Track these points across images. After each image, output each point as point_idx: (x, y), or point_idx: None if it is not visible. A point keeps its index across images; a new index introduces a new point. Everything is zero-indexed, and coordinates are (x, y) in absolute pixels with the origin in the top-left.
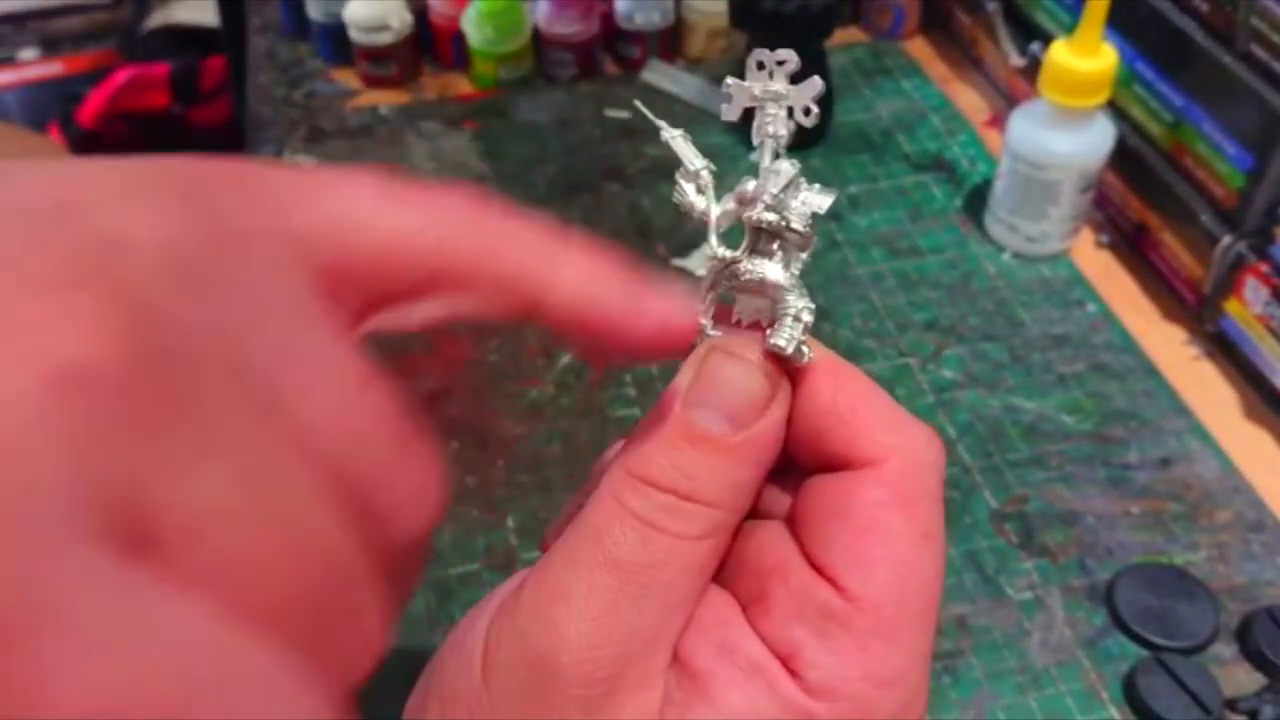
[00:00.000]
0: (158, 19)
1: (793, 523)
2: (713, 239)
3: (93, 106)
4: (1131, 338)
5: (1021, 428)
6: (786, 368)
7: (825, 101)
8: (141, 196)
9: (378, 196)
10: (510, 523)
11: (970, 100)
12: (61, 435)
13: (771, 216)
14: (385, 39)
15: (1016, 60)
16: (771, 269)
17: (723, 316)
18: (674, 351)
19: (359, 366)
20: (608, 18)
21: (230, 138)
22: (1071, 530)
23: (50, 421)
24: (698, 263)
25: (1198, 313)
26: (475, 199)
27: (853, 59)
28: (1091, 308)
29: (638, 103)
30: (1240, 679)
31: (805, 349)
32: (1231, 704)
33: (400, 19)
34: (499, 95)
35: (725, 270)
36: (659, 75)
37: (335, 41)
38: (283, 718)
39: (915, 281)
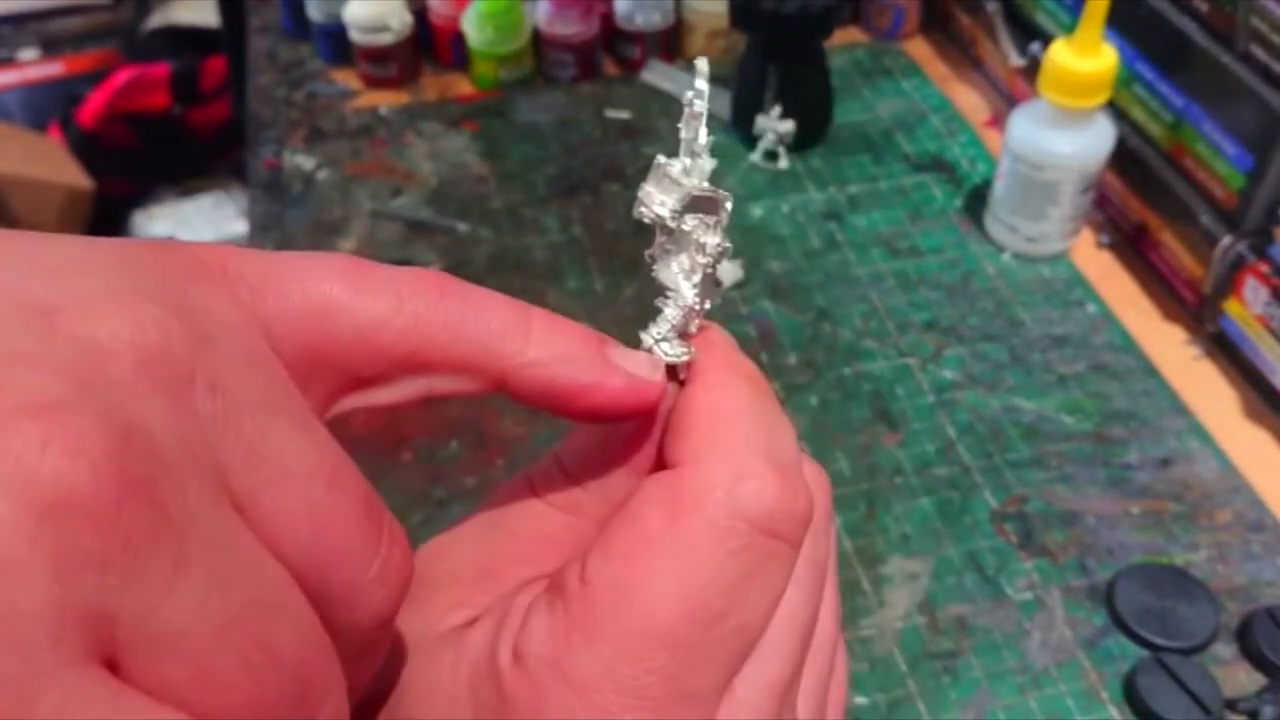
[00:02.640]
0: (158, 19)
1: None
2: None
3: (93, 107)
4: (1131, 338)
5: (1021, 428)
6: (669, 366)
7: (825, 102)
8: (119, 300)
9: (348, 281)
10: None
11: (970, 100)
12: (47, 562)
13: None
14: (385, 39)
15: (1016, 60)
16: (665, 268)
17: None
18: (640, 413)
19: (329, 458)
20: (608, 18)
21: (230, 138)
22: (1071, 530)
23: (37, 549)
24: None
25: (1198, 313)
26: (441, 279)
27: (853, 59)
28: (1091, 308)
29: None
30: (1240, 679)
31: (673, 347)
32: (1231, 704)
33: (400, 19)
34: (499, 96)
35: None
36: (659, 75)
37: (335, 42)
38: None
39: (915, 281)
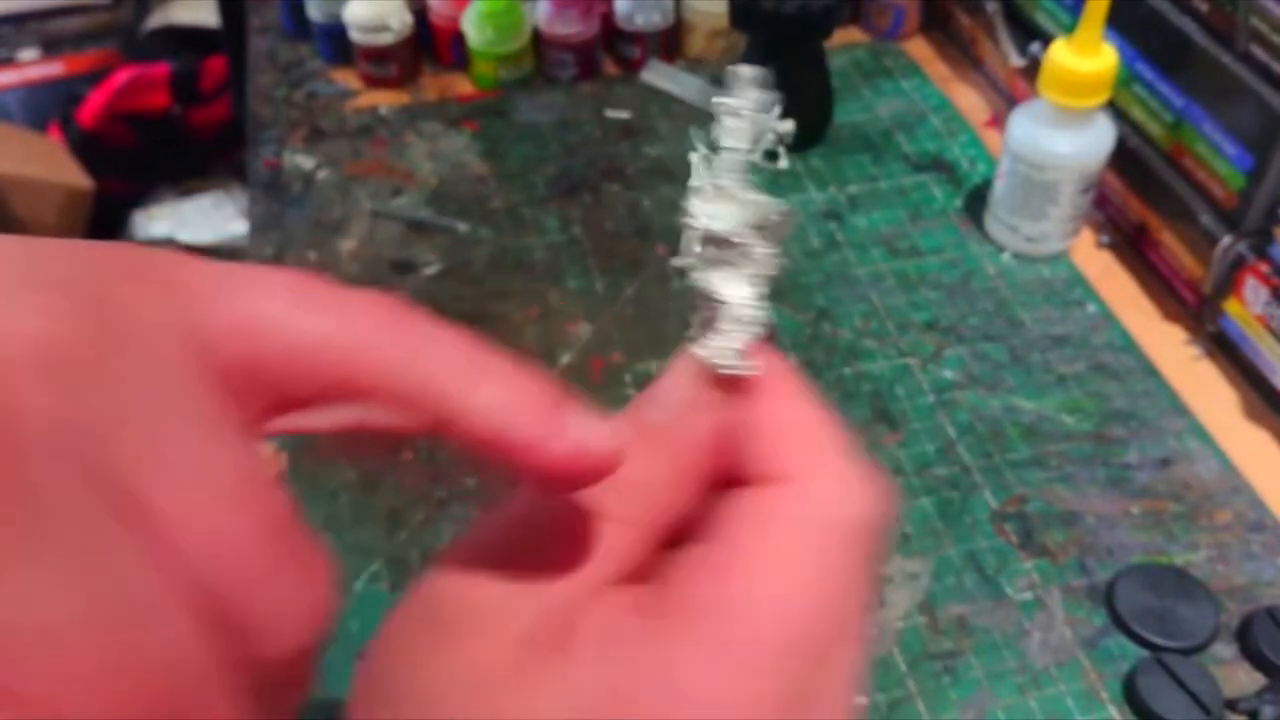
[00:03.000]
0: (158, 19)
1: None
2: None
3: (93, 107)
4: (1131, 338)
5: (1021, 428)
6: (725, 379)
7: (825, 102)
8: (33, 290)
9: (291, 298)
10: None
11: (970, 100)
12: None
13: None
14: (385, 39)
15: (1016, 60)
16: (706, 277)
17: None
18: (589, 480)
19: (245, 472)
20: (608, 18)
21: (230, 138)
22: (1071, 530)
23: None
24: None
25: (1198, 313)
26: (392, 306)
27: (853, 59)
28: (1091, 308)
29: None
30: (1240, 679)
31: (735, 360)
32: (1231, 704)
33: (400, 19)
34: (499, 95)
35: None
36: (659, 75)
37: (335, 42)
38: None
39: (915, 281)
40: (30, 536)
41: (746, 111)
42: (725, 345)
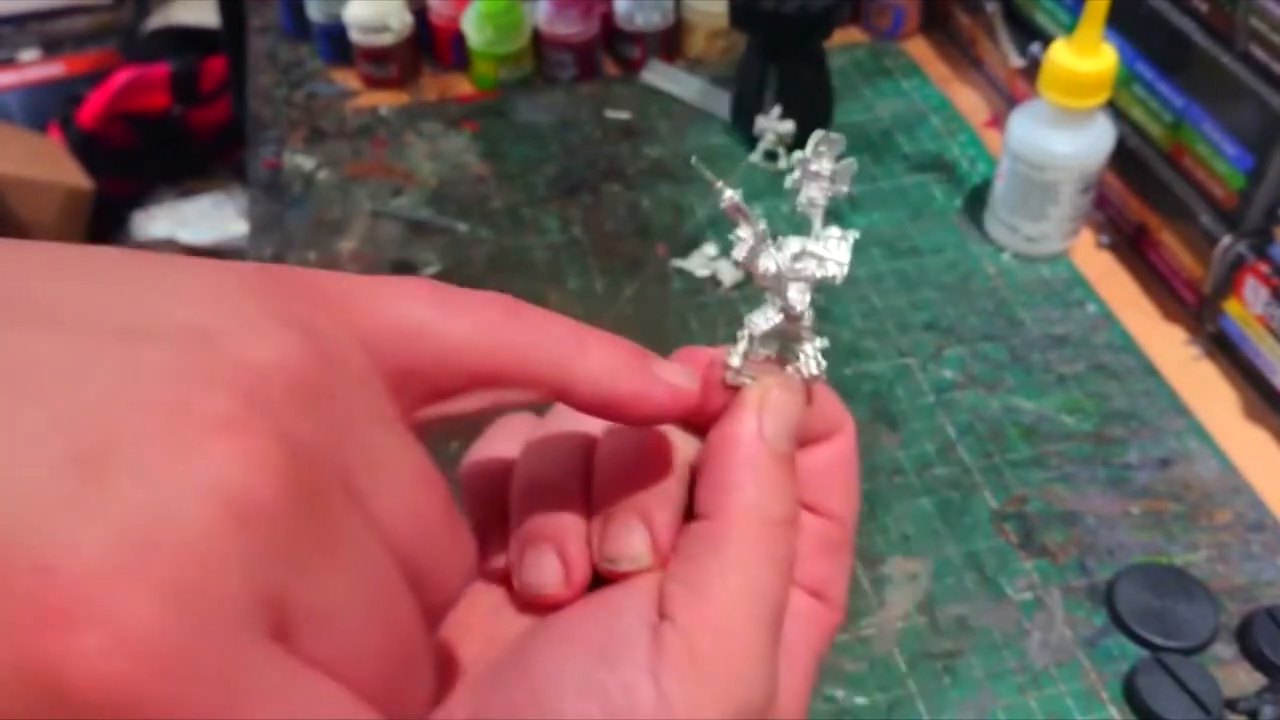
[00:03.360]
0: (158, 20)
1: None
2: (788, 294)
3: (93, 107)
4: (1131, 338)
5: (1021, 428)
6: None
7: (825, 102)
8: (264, 327)
9: (431, 303)
10: None
11: (970, 100)
12: (243, 557)
13: (840, 274)
14: (385, 39)
15: (1016, 60)
16: (810, 314)
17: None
18: (682, 416)
19: (423, 463)
20: (608, 18)
21: (230, 138)
22: (1071, 530)
23: (235, 546)
24: (697, 263)
25: (1198, 313)
26: (509, 303)
27: (853, 59)
28: (1091, 308)
29: (695, 160)
30: (1240, 679)
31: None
32: (1231, 704)
33: (400, 19)
34: (499, 96)
35: (782, 319)
36: (659, 75)
37: (335, 42)
38: None
39: (915, 281)
40: (328, 552)
41: (824, 175)
42: (821, 363)
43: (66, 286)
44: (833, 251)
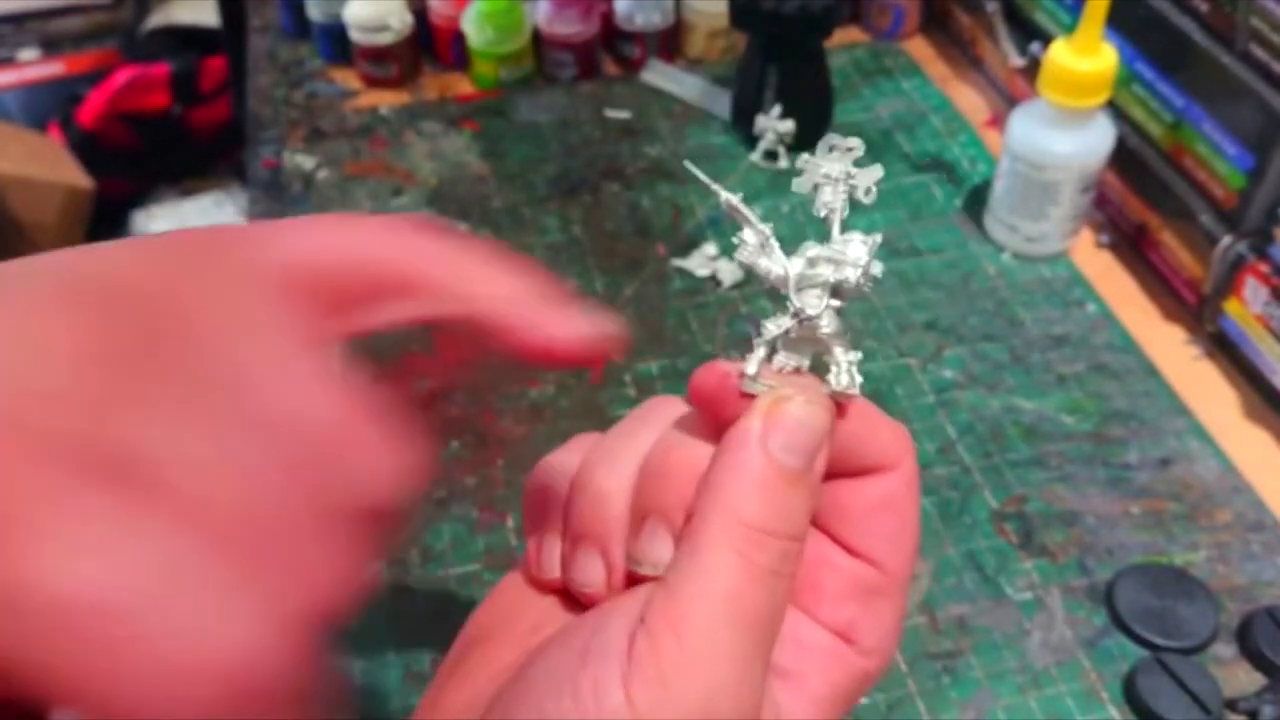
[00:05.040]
0: (158, 19)
1: (818, 520)
2: (793, 298)
3: (93, 107)
4: (1131, 338)
5: (1021, 428)
6: (837, 403)
7: (825, 101)
8: (156, 262)
9: (339, 226)
10: (510, 523)
11: (970, 100)
12: (82, 399)
13: (857, 277)
14: (385, 39)
15: (1016, 60)
16: (834, 321)
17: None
18: (576, 365)
19: (317, 368)
20: (608, 18)
21: (230, 138)
22: (1071, 530)
23: (72, 387)
24: (697, 263)
25: (1198, 313)
26: (419, 222)
27: (853, 59)
28: (1091, 308)
29: (688, 164)
30: (1240, 679)
31: (859, 384)
32: (1231, 704)
33: (400, 19)
34: (499, 95)
35: (797, 326)
36: (659, 75)
37: (335, 41)
38: (227, 609)
39: (915, 281)
40: (180, 414)
41: (837, 178)
42: (853, 378)
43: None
44: (851, 254)
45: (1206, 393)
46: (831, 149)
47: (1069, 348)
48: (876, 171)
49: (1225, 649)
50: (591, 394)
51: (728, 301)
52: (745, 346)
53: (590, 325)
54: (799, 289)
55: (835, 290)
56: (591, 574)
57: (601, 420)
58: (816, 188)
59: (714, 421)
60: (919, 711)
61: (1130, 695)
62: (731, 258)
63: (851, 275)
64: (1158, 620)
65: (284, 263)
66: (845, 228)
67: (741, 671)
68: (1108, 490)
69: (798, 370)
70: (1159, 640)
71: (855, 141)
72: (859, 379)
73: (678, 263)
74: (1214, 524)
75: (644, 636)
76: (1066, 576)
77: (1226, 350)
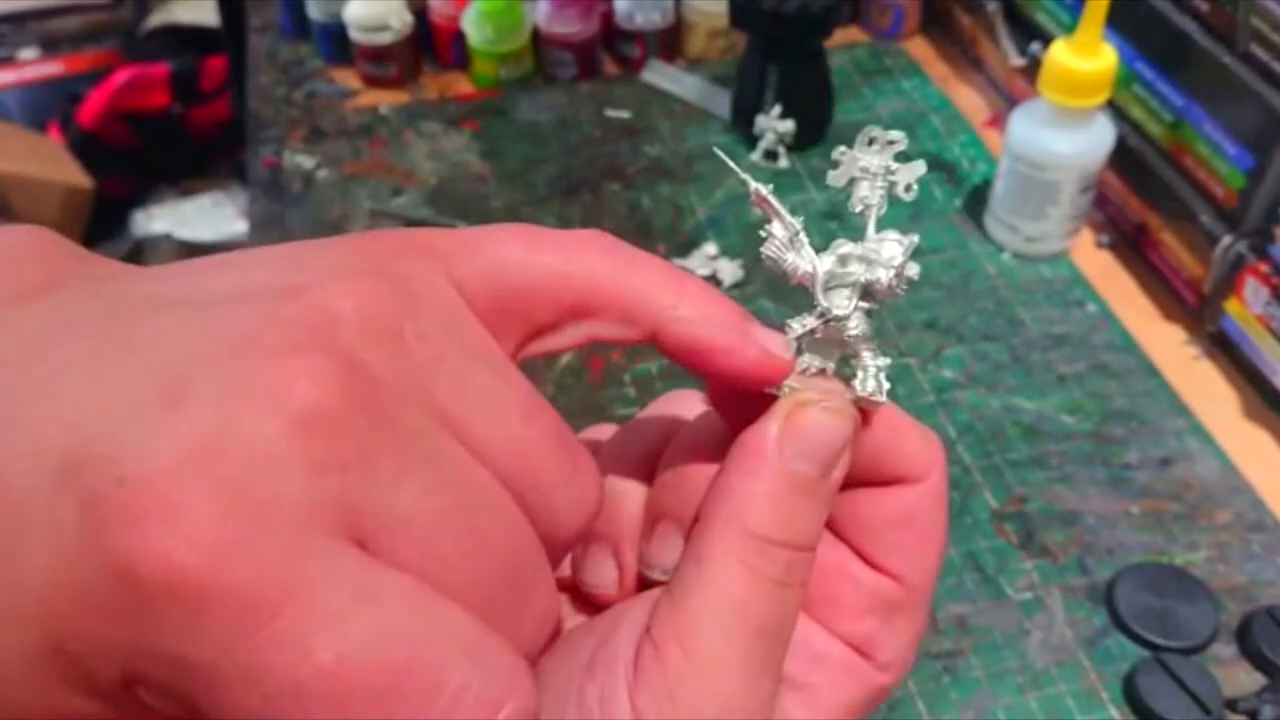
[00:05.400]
0: (158, 19)
1: (838, 530)
2: (820, 296)
3: (93, 106)
4: (1131, 338)
5: (1021, 428)
6: (862, 410)
7: (825, 101)
8: (345, 277)
9: (523, 242)
10: None
11: (970, 100)
12: (302, 462)
13: (888, 278)
14: (385, 39)
15: (1016, 60)
16: (863, 323)
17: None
18: (767, 382)
19: (523, 395)
20: (608, 18)
21: (230, 138)
22: (1071, 530)
23: (294, 451)
24: (697, 263)
25: (1198, 313)
26: (603, 238)
27: (853, 59)
28: (1091, 308)
29: (718, 150)
30: (1240, 679)
31: (886, 391)
32: (1231, 704)
33: (400, 19)
34: (499, 95)
35: (822, 326)
36: (659, 75)
37: (335, 41)
38: (484, 661)
39: (915, 281)
40: (399, 459)
41: (876, 172)
42: (879, 384)
43: (207, 279)
44: (885, 254)
45: (1206, 393)
46: (871, 141)
47: (1069, 348)
48: (919, 168)
49: (1225, 649)
50: (591, 394)
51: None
52: None
53: (781, 344)
54: (827, 288)
55: (865, 291)
56: (603, 575)
57: (601, 420)
58: (853, 182)
59: (732, 421)
60: (919, 711)
61: (1130, 695)
62: (731, 258)
63: (884, 276)
64: (1158, 620)
65: (475, 277)
66: (881, 225)
67: (750, 683)
68: (1108, 490)
69: (823, 372)
70: (1159, 640)
71: (898, 135)
72: (886, 385)
73: (678, 262)
74: (1214, 524)
75: (649, 647)
76: (1066, 576)
77: (1226, 350)
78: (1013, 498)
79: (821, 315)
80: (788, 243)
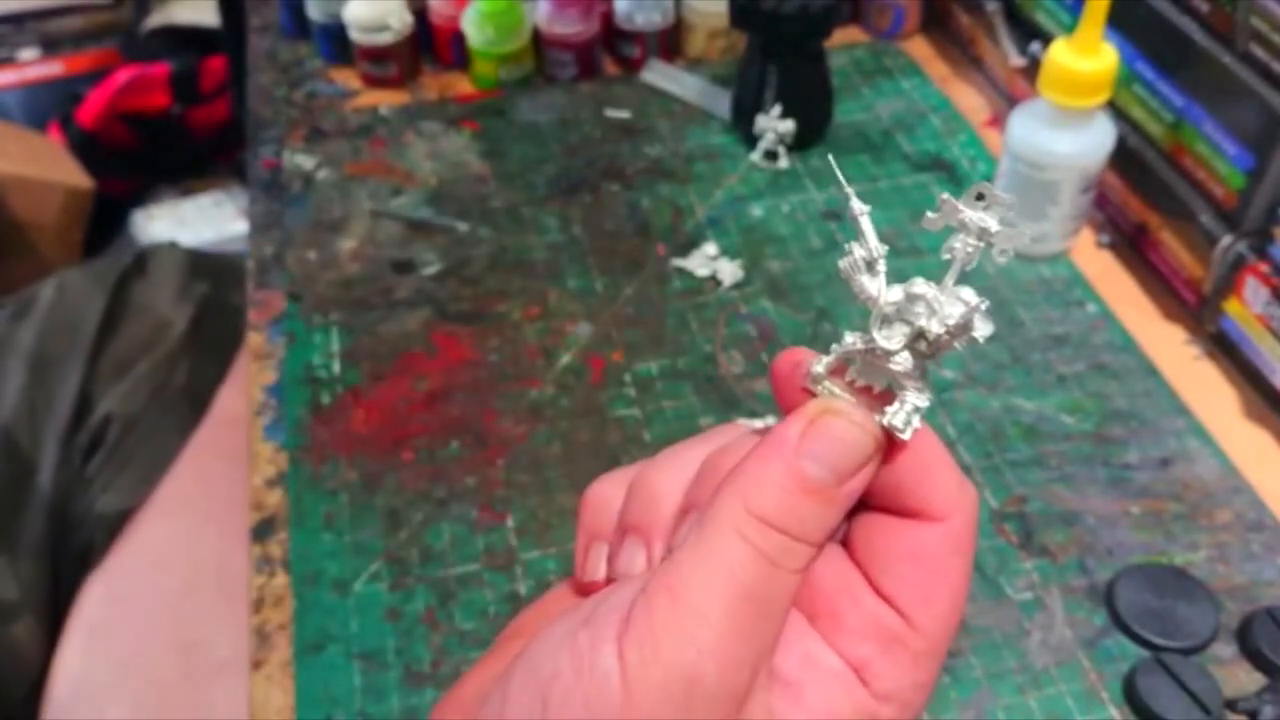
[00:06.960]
0: (158, 19)
1: (853, 551)
2: (875, 329)
3: (93, 106)
4: (1131, 338)
5: (1021, 428)
6: (889, 437)
7: (825, 101)
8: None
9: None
10: (510, 523)
11: (970, 100)
12: None
13: (940, 332)
14: (385, 39)
15: (1016, 60)
16: (910, 362)
17: (838, 370)
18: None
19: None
20: (608, 18)
21: (230, 138)
22: (1071, 530)
23: None
24: (697, 263)
25: (1198, 313)
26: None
27: (853, 59)
28: (1091, 308)
29: (830, 158)
30: (1240, 679)
31: (913, 430)
32: (1231, 704)
33: (400, 19)
34: (499, 95)
35: (867, 350)
36: (659, 75)
37: (335, 41)
38: None
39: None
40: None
41: (973, 228)
42: (909, 421)
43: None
44: (948, 308)
45: (1206, 393)
46: (980, 196)
47: (1069, 348)
48: (1022, 237)
49: (1225, 649)
50: (591, 394)
51: (728, 301)
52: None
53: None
54: (886, 319)
55: (919, 335)
56: (633, 562)
57: (602, 420)
58: (950, 230)
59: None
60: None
61: (1130, 695)
62: (731, 258)
63: (935, 328)
64: (1158, 620)
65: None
66: (961, 279)
67: (731, 640)
68: (1108, 490)
69: (868, 388)
70: (1159, 640)
71: (1009, 199)
72: (916, 424)
73: (678, 263)
74: (1214, 524)
75: (642, 599)
76: (1066, 576)
77: (1226, 350)
78: (1013, 498)
79: (868, 343)
80: (864, 265)
